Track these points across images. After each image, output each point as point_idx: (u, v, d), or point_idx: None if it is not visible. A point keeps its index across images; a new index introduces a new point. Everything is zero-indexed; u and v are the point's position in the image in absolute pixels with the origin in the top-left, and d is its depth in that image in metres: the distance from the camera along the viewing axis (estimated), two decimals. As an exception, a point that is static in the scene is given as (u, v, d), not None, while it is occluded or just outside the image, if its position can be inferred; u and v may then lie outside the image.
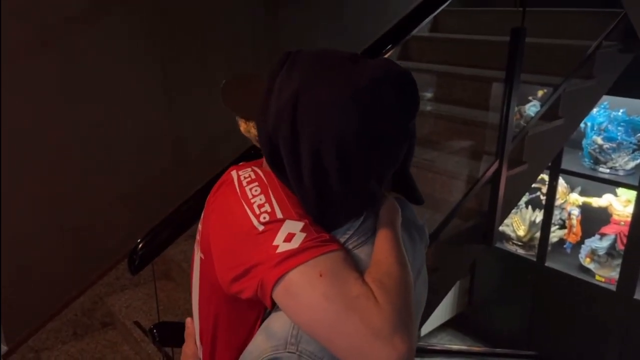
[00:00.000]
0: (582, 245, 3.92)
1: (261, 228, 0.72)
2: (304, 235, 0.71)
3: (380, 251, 0.78)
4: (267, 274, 0.70)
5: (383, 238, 0.79)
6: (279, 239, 0.71)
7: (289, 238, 0.71)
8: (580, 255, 3.92)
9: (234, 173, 0.81)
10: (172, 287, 2.55)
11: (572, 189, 4.07)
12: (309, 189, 0.75)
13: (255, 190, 0.76)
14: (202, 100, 2.61)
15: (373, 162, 0.77)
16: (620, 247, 3.75)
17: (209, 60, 2.59)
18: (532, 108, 3.76)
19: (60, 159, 2.25)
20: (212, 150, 2.66)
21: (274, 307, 0.74)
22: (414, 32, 1.90)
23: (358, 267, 0.74)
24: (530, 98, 3.78)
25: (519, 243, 4.23)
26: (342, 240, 0.78)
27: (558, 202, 4.00)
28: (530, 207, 4.24)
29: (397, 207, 0.85)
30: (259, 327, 0.85)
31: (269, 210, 0.74)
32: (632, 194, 3.59)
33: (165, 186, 2.53)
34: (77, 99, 2.24)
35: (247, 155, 1.44)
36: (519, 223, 4.22)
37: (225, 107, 0.81)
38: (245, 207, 0.74)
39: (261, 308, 0.85)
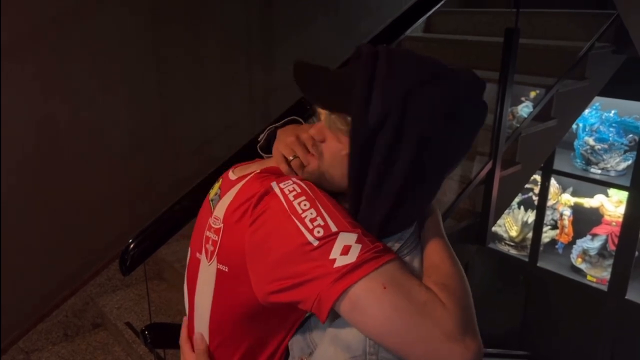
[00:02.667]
0: (574, 246, 3.95)
1: (316, 243, 0.71)
2: (359, 246, 0.71)
3: (435, 255, 0.79)
4: (327, 290, 0.69)
5: (435, 242, 0.81)
6: (335, 253, 0.70)
7: (346, 251, 0.70)
8: (571, 256, 3.94)
9: (275, 185, 0.79)
10: (164, 287, 2.54)
11: (564, 190, 4.10)
12: (393, 190, 0.75)
13: (305, 205, 0.75)
14: (195, 98, 2.59)
15: (451, 167, 0.79)
16: (611, 247, 3.78)
17: (202, 55, 2.57)
18: (524, 109, 3.78)
19: (52, 158, 2.23)
20: (205, 149, 2.64)
21: (332, 318, 0.72)
22: (408, 32, 1.90)
23: (413, 274, 0.74)
24: (522, 99, 3.80)
25: (511, 243, 4.25)
26: (395, 248, 0.78)
27: (550, 203, 4.03)
28: (522, 207, 4.26)
29: (440, 215, 0.88)
30: (289, 338, 0.86)
31: (322, 223, 0.72)
32: (624, 194, 3.62)
33: (158, 185, 2.51)
34: (69, 98, 2.22)
35: (243, 154, 1.42)
36: (511, 223, 4.24)
37: (306, 97, 0.80)
38: (297, 222, 0.73)
39: (295, 320, 0.86)
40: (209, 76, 2.60)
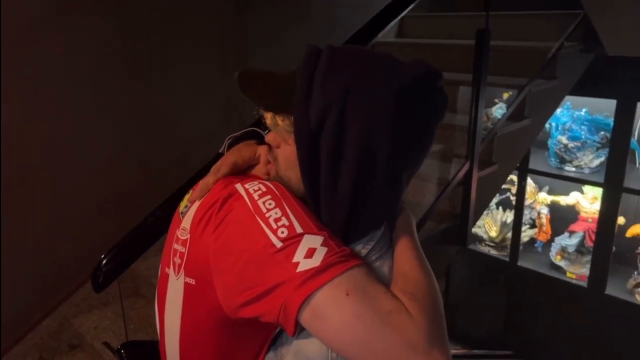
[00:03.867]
0: (552, 244, 3.99)
1: (279, 245, 0.67)
2: (325, 250, 0.68)
3: (405, 261, 0.75)
4: (290, 297, 0.65)
5: (405, 248, 0.77)
6: (299, 256, 0.67)
7: (310, 254, 0.67)
8: (551, 254, 3.99)
9: (239, 186, 0.76)
10: (142, 304, 2.47)
11: (540, 189, 4.15)
12: (346, 190, 0.72)
13: (269, 204, 0.72)
14: (170, 109, 2.55)
15: (409, 163, 0.76)
16: (589, 243, 3.83)
17: (176, 62, 2.53)
18: (498, 110, 3.82)
19: (23, 174, 2.16)
20: (181, 160, 2.60)
21: (297, 331, 0.69)
22: (379, 37, 1.90)
23: (382, 280, 0.70)
24: (496, 100, 3.84)
25: (492, 244, 4.28)
26: (364, 252, 0.75)
27: (527, 202, 4.07)
28: (500, 208, 4.30)
29: (412, 216, 0.84)
30: (265, 354, 0.82)
31: (287, 224, 0.69)
32: (599, 191, 3.68)
33: (134, 199, 2.46)
34: (39, 111, 2.16)
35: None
36: (490, 224, 4.27)
37: (249, 100, 0.78)
38: (260, 222, 0.70)
39: (267, 334, 0.82)
40: (183, 87, 2.57)
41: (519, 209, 3.99)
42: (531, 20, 3.04)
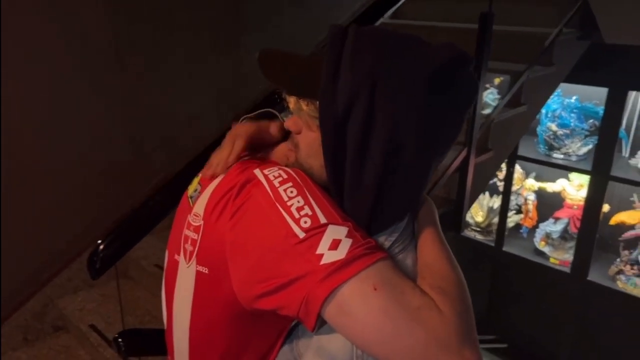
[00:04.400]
0: (537, 229, 4.03)
1: (302, 235, 0.64)
2: (350, 241, 0.64)
3: (429, 253, 0.73)
4: (313, 290, 0.62)
5: (428, 238, 0.75)
6: (322, 247, 0.63)
7: (335, 245, 0.63)
8: (535, 239, 4.03)
9: (258, 172, 0.72)
10: (130, 286, 2.42)
11: (527, 175, 4.17)
12: (371, 179, 0.69)
13: (291, 192, 0.68)
14: (160, 89, 2.47)
15: (437, 153, 0.73)
16: (573, 230, 3.88)
17: (167, 46, 2.45)
18: (489, 95, 3.81)
19: (9, 153, 2.07)
20: (170, 142, 2.53)
21: (317, 326, 0.65)
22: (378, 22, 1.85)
23: (406, 273, 0.67)
24: (487, 86, 3.82)
25: (478, 229, 4.30)
26: (387, 244, 0.72)
27: (514, 188, 4.09)
28: (487, 193, 4.31)
29: (434, 207, 0.82)
30: (279, 347, 0.79)
31: (310, 213, 0.66)
32: (585, 178, 3.71)
33: (121, 181, 2.39)
34: (27, 90, 2.06)
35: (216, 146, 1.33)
36: (477, 209, 4.29)
37: (271, 82, 0.75)
38: (282, 210, 0.66)
39: (284, 326, 0.79)
40: (174, 67, 2.49)
41: (506, 194, 4.01)
42: (529, 5, 3.00)
